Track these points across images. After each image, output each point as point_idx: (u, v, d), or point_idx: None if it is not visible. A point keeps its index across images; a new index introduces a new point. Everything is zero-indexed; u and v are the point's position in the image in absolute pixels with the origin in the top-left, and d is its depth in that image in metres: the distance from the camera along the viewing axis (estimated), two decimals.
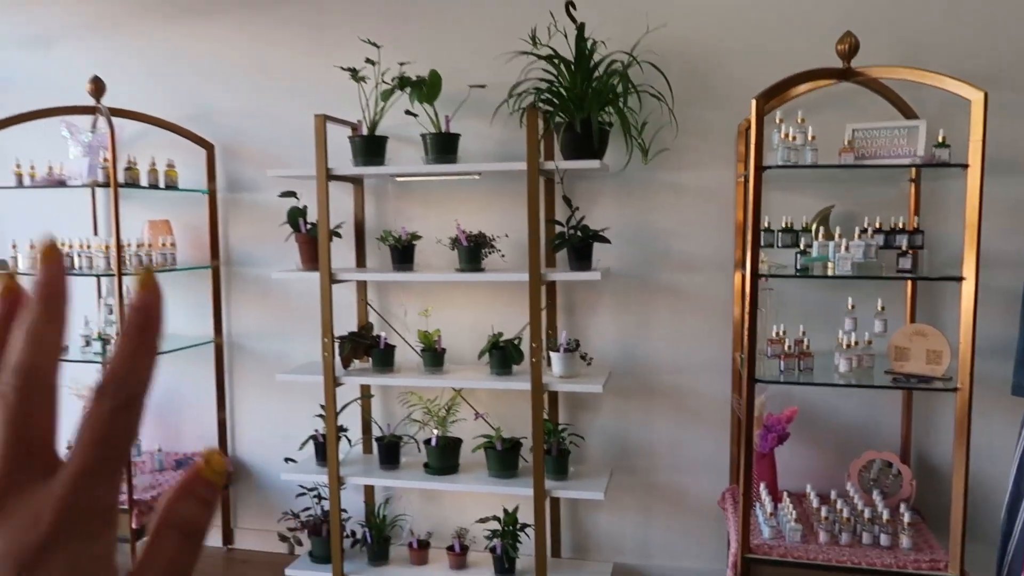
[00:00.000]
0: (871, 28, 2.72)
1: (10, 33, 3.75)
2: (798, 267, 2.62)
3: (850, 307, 2.64)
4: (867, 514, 2.55)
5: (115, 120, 3.08)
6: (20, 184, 3.25)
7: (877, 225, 2.67)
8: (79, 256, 3.17)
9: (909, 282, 2.85)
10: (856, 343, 2.60)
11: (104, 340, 3.19)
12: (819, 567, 2.44)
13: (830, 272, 2.55)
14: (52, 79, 3.66)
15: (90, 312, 3.47)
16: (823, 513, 2.58)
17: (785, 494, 2.80)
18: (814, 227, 2.77)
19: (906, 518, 2.51)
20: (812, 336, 2.73)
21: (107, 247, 3.15)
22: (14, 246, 3.23)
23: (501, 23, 3.12)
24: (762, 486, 2.79)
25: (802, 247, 2.64)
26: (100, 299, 3.52)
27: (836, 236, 2.59)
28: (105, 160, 3.11)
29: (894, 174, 2.82)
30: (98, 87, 3.15)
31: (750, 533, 2.54)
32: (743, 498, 2.50)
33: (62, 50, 3.68)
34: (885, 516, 2.52)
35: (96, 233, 3.57)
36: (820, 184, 2.94)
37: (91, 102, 3.16)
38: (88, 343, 3.25)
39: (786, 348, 2.63)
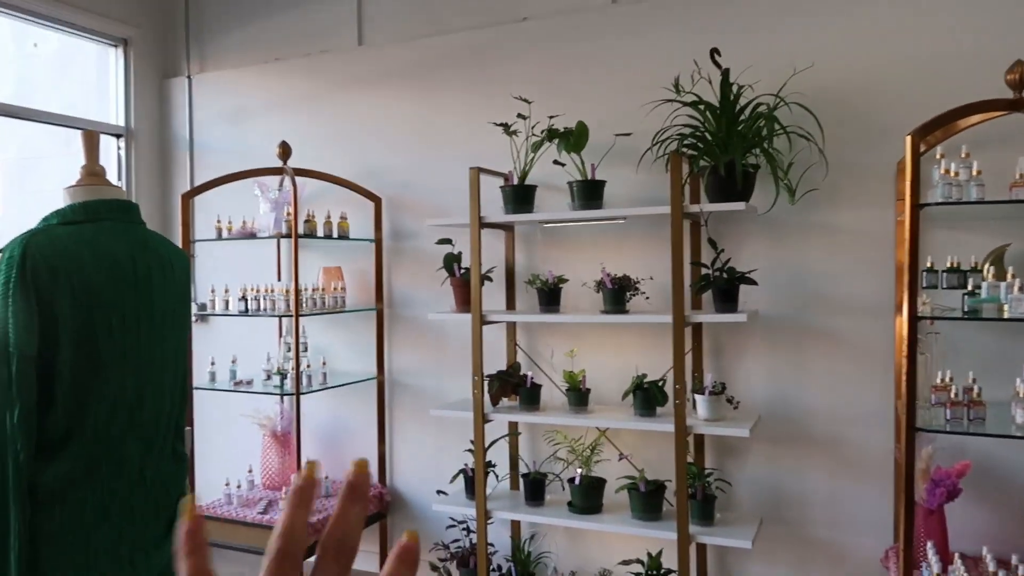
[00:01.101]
0: None
1: (217, 109, 4.34)
2: (965, 309, 2.45)
3: None
4: None
5: (298, 179, 3.46)
6: (219, 236, 3.72)
7: None
8: (264, 299, 3.56)
9: None
10: None
11: (282, 375, 3.54)
12: None
13: (1004, 315, 2.36)
14: (247, 145, 4.19)
15: (272, 349, 3.87)
16: None
17: (957, 556, 2.57)
18: (985, 267, 2.59)
19: None
20: (986, 385, 2.53)
21: (287, 291, 3.52)
22: (212, 290, 3.68)
23: (646, 73, 3.22)
24: (929, 545, 2.58)
25: (970, 288, 2.47)
26: (281, 337, 3.92)
27: (1009, 276, 2.40)
28: (289, 214, 3.49)
29: None
30: (285, 151, 3.57)
31: None
32: (903, 555, 2.34)
33: (256, 120, 4.20)
34: None
35: (279, 279, 3.99)
36: (994, 223, 2.75)
37: (279, 164, 3.58)
38: (269, 377, 3.61)
39: (953, 396, 2.46)
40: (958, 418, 2.42)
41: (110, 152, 4.33)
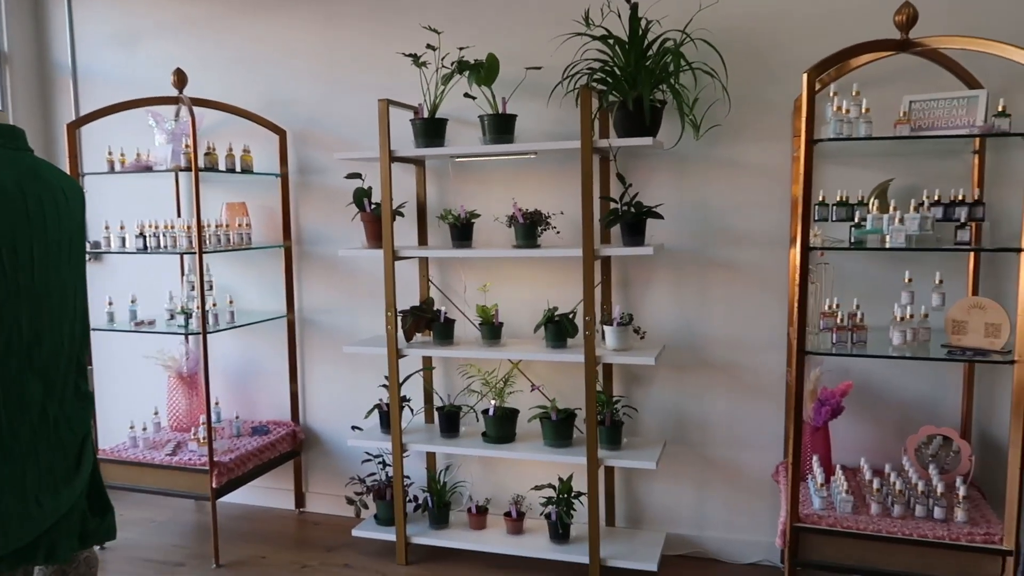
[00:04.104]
0: None
1: (101, 32, 4.03)
2: (852, 240, 2.61)
3: (907, 280, 2.63)
4: (921, 487, 2.55)
5: (196, 109, 3.28)
6: (112, 170, 3.51)
7: (936, 198, 2.64)
8: (164, 236, 3.41)
9: (971, 256, 2.80)
10: (912, 316, 2.58)
11: (187, 314, 3.43)
12: (869, 537, 2.46)
13: (886, 245, 2.53)
14: (139, 73, 3.93)
15: (174, 288, 3.73)
16: (875, 486, 2.59)
17: (839, 468, 2.80)
18: (870, 201, 2.76)
19: (961, 492, 2.49)
20: (872, 312, 2.72)
21: (189, 227, 3.38)
22: (107, 227, 3.49)
23: (556, 6, 3.19)
24: (815, 459, 2.80)
25: (857, 221, 2.63)
26: (183, 276, 3.78)
27: (891, 209, 2.57)
28: (187, 146, 3.33)
29: (957, 146, 2.78)
30: (181, 79, 3.37)
31: (800, 504, 2.57)
32: (792, 468, 2.53)
33: (148, 46, 3.93)
34: (940, 490, 2.51)
35: (179, 215, 3.83)
36: (880, 159, 2.92)
37: (174, 93, 3.38)
38: (172, 316, 3.49)
39: (839, 321, 2.64)
40: (843, 342, 2.60)
41: None
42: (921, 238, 2.50)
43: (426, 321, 3.21)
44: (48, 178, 1.73)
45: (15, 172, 1.64)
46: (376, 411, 3.33)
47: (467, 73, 3.10)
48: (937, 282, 2.59)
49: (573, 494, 3.09)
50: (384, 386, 3.26)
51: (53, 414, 1.70)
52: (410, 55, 3.19)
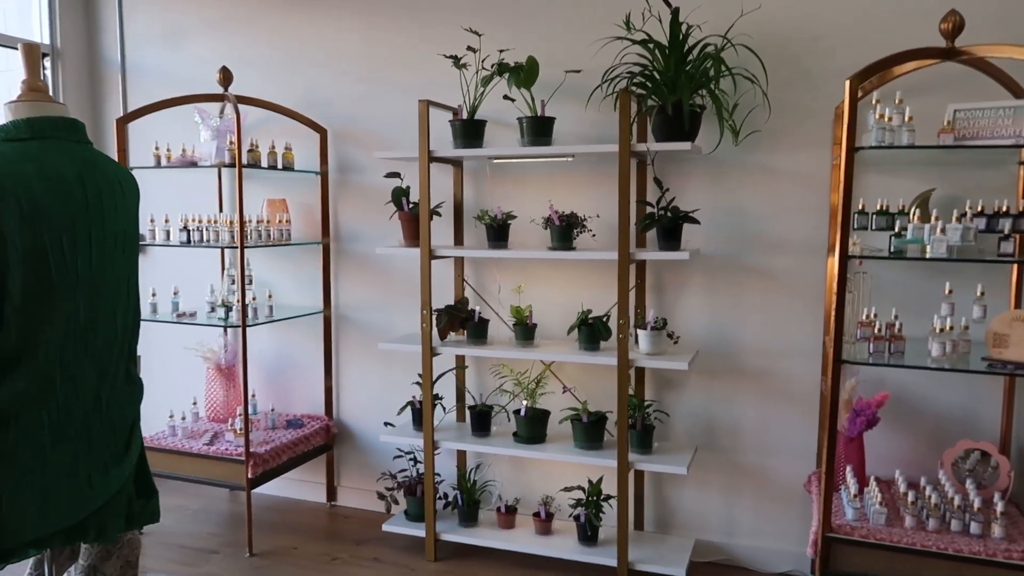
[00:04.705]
0: (978, 6, 2.65)
1: (149, 29, 4.14)
2: (891, 250, 2.59)
3: (947, 292, 2.59)
4: (957, 501, 2.51)
5: (240, 107, 3.36)
6: (158, 164, 3.60)
7: (979, 209, 2.60)
8: (206, 230, 3.49)
9: (1014, 268, 2.76)
10: (952, 328, 2.55)
11: (227, 307, 3.50)
12: (902, 550, 2.43)
13: (926, 255, 2.51)
14: (185, 70, 4.03)
15: (215, 281, 3.82)
16: (910, 498, 2.56)
17: (873, 479, 2.78)
18: (911, 210, 2.73)
19: (999, 507, 2.45)
20: (911, 323, 2.69)
21: (231, 222, 3.45)
22: (151, 220, 3.58)
23: (597, 10, 3.21)
24: (848, 469, 2.78)
25: (897, 230, 2.61)
26: (224, 269, 3.86)
27: (932, 219, 2.54)
28: (231, 143, 3.40)
29: (1001, 157, 2.74)
30: (226, 77, 3.45)
31: (833, 514, 2.55)
32: (826, 477, 2.51)
33: (194, 43, 4.03)
34: (976, 505, 2.48)
35: (221, 209, 3.91)
36: (922, 168, 2.88)
37: (220, 90, 3.46)
38: (213, 309, 3.57)
39: (876, 331, 2.61)
40: (880, 352, 2.57)
41: None
42: (963, 249, 2.47)
43: (460, 320, 3.25)
44: (106, 170, 1.78)
45: (76, 163, 1.70)
46: (409, 408, 3.37)
47: (507, 75, 3.12)
48: (978, 294, 2.56)
49: (602, 497, 3.10)
50: (417, 383, 3.30)
51: (105, 398, 1.76)
52: (451, 56, 3.23)
